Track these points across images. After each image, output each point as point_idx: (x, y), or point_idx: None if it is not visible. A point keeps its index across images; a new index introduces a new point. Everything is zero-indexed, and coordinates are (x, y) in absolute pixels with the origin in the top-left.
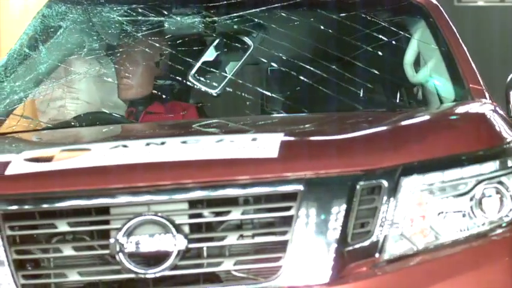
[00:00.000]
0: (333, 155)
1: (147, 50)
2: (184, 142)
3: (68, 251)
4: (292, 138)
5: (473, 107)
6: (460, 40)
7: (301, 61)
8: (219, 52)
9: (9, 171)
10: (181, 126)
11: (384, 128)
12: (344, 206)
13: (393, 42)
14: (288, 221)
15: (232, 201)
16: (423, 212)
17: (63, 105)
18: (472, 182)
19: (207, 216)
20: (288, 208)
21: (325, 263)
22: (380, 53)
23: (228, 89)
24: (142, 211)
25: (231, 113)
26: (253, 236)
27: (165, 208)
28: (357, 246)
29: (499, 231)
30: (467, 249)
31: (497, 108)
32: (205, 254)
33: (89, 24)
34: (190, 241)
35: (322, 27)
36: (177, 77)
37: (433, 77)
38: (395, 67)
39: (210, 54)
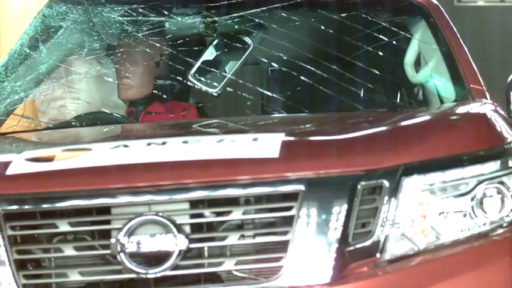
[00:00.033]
0: (334, 155)
1: (147, 50)
2: (185, 142)
3: (69, 251)
4: (293, 138)
5: (474, 107)
6: (461, 40)
7: (302, 61)
8: (218, 51)
9: (10, 171)
10: (182, 126)
11: (385, 128)
12: (345, 206)
13: (394, 42)
14: (289, 221)
15: (233, 201)
16: (424, 212)
17: (63, 105)
18: (473, 182)
19: (208, 216)
20: (289, 208)
21: (326, 263)
22: (380, 53)
23: (228, 89)
24: (144, 211)
25: (232, 113)
26: (254, 236)
27: (166, 208)
28: (358, 246)
29: (500, 231)
30: (468, 249)
31: (498, 109)
32: (206, 254)
33: (89, 24)
34: (191, 241)
35: (322, 28)
36: (177, 77)
37: (433, 77)
38: (395, 67)
39: (209, 54)
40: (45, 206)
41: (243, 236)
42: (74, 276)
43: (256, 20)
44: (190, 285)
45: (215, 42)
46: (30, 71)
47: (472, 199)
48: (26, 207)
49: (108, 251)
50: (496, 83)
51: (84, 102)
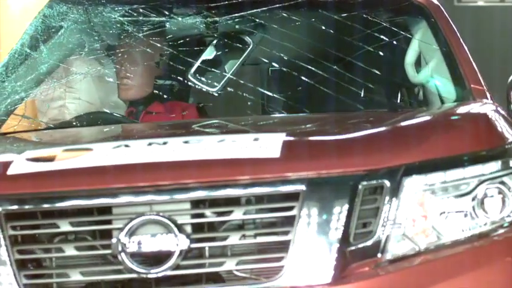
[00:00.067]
0: (335, 155)
1: (147, 50)
2: (186, 142)
3: (70, 250)
4: (294, 138)
5: (474, 108)
6: (461, 40)
7: (303, 61)
8: (218, 51)
9: (11, 171)
10: (183, 126)
11: (386, 128)
12: (346, 206)
13: (394, 42)
14: (290, 221)
15: (235, 201)
16: (425, 212)
17: (63, 105)
18: (474, 182)
19: (209, 216)
20: (290, 208)
21: (327, 263)
22: (381, 54)
23: (229, 89)
24: (145, 211)
25: (232, 113)
26: (255, 236)
27: (167, 208)
28: (359, 246)
29: (501, 231)
30: (469, 249)
31: (498, 109)
32: (207, 254)
33: (89, 24)
34: (192, 241)
35: (323, 28)
36: (177, 77)
37: (434, 77)
38: (396, 67)
39: (209, 53)
40: (46, 205)
41: (244, 236)
42: (75, 276)
43: (257, 20)
44: (191, 285)
45: (215, 41)
46: (31, 71)
47: (473, 199)
48: (27, 207)
49: (109, 251)
50: (496, 83)
51: (84, 102)
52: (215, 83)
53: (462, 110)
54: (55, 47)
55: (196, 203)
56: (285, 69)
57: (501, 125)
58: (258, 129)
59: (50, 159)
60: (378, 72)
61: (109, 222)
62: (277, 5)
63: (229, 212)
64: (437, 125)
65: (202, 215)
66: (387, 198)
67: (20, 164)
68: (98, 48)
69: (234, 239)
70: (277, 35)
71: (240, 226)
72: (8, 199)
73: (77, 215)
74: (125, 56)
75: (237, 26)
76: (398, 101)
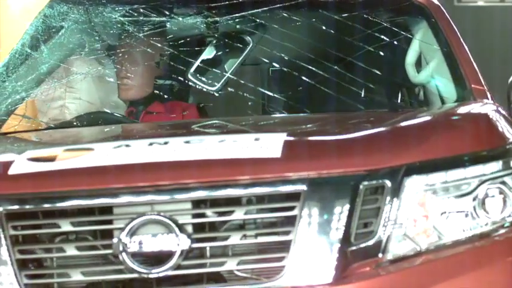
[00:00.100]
0: (336, 155)
1: (147, 50)
2: (187, 142)
3: (71, 250)
4: (295, 138)
5: (475, 108)
6: (462, 40)
7: (303, 61)
8: (217, 50)
9: (12, 171)
10: (184, 126)
11: (387, 128)
12: (347, 206)
13: (395, 42)
14: (291, 221)
15: (236, 201)
16: (426, 212)
17: (63, 105)
18: (475, 182)
19: (210, 216)
20: (291, 208)
21: (328, 263)
22: (382, 54)
23: (229, 89)
24: (146, 211)
25: (233, 113)
26: (256, 236)
27: (168, 208)
28: (360, 246)
29: (502, 231)
30: (470, 249)
31: (499, 109)
32: (208, 253)
33: (90, 25)
34: (193, 241)
35: (324, 28)
36: (178, 77)
37: (434, 77)
38: (397, 67)
39: (208, 53)
40: (47, 205)
41: (245, 236)
42: (76, 276)
43: (257, 20)
44: (192, 285)
45: (214, 41)
46: (31, 71)
47: (474, 199)
48: (28, 207)
49: (110, 251)
50: (496, 83)
51: (84, 102)
52: (215, 83)
53: (463, 110)
54: (55, 47)
55: (197, 203)
56: (285, 69)
57: (502, 125)
58: (259, 129)
59: (51, 159)
60: (379, 73)
61: (110, 222)
62: (278, 5)
63: (230, 212)
64: (438, 125)
65: (203, 215)
66: (388, 198)
67: (21, 164)
68: (98, 48)
69: (235, 239)
70: (278, 35)
71: (241, 226)
72: (9, 199)
73: (78, 215)
74: (125, 56)
75: (237, 26)
76: (399, 101)
